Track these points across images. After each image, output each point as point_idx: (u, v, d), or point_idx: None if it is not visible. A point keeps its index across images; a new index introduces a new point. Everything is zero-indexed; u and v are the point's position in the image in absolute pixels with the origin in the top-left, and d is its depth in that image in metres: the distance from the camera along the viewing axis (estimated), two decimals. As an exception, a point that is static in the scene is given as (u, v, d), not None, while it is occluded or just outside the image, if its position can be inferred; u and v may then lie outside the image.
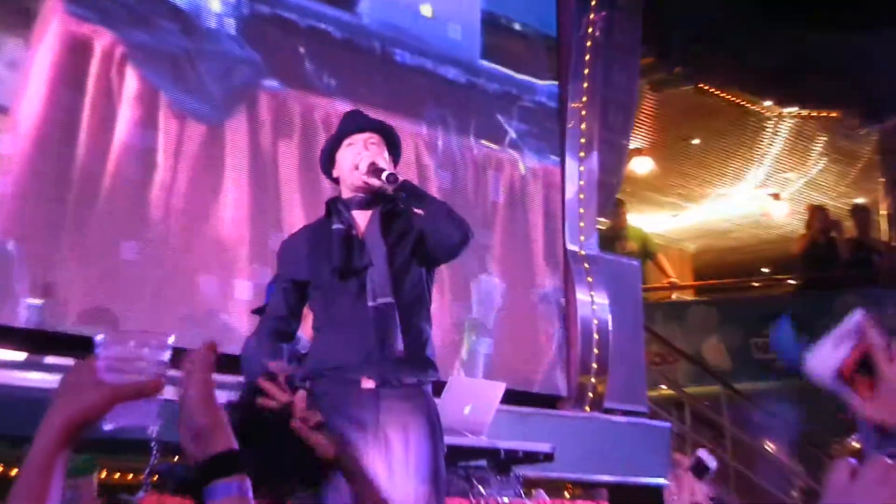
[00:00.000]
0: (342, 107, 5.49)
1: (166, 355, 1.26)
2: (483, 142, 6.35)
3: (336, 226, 3.10)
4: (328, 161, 3.24)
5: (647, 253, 8.94)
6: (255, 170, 5.35)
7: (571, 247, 6.61)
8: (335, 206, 3.17)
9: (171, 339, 1.26)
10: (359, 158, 3.11)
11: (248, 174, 5.32)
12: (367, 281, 3.00)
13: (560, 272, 6.56)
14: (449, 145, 6.20)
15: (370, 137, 3.18)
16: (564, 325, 6.51)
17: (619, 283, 6.79)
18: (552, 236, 6.61)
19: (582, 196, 6.71)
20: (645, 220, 11.02)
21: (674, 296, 10.16)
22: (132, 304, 4.79)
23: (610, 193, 7.28)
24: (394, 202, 3.14)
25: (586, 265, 6.61)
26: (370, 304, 2.97)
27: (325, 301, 3.06)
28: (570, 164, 6.72)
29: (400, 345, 2.96)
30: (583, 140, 6.77)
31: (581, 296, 6.52)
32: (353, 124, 3.22)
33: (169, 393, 1.24)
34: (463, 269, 6.11)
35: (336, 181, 3.23)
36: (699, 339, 9.35)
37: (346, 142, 3.18)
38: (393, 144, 3.25)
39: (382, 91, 5.84)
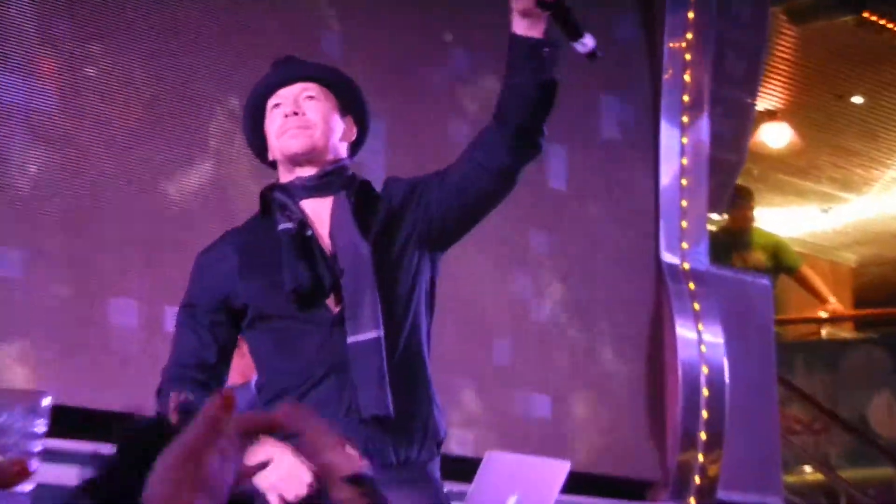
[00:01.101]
0: (329, 46, 5.49)
1: (39, 425, 1.23)
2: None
3: (283, 225, 3.12)
4: (256, 138, 3.27)
5: (782, 267, 8.92)
6: (199, 138, 5.31)
7: (669, 258, 6.64)
8: (275, 197, 3.18)
9: (46, 401, 1.24)
10: (285, 112, 3.15)
11: (188, 144, 5.29)
12: (343, 305, 3.04)
13: (652, 295, 6.58)
14: (485, 102, 5.97)
15: (305, 89, 3.20)
16: (658, 374, 6.53)
17: (740, 313, 6.79)
18: (639, 242, 6.62)
19: (685, 182, 6.70)
20: (780, 218, 11.00)
21: (824, 331, 10.14)
22: (9, 344, 4.78)
23: (727, 178, 7.25)
24: (368, 186, 3.19)
25: (691, 285, 6.62)
26: (350, 339, 3.01)
27: (275, 340, 3.11)
28: (668, 135, 6.71)
29: (388, 400, 2.99)
30: (686, 98, 6.75)
31: (683, 331, 6.53)
32: (276, 76, 3.25)
33: (47, 476, 1.23)
34: (503, 289, 6.12)
35: (275, 165, 3.27)
36: (863, 396, 9.30)
37: (270, 103, 3.22)
38: (347, 97, 3.27)
39: (384, 23, 5.86)
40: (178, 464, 1.24)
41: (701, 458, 6.40)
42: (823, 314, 9.85)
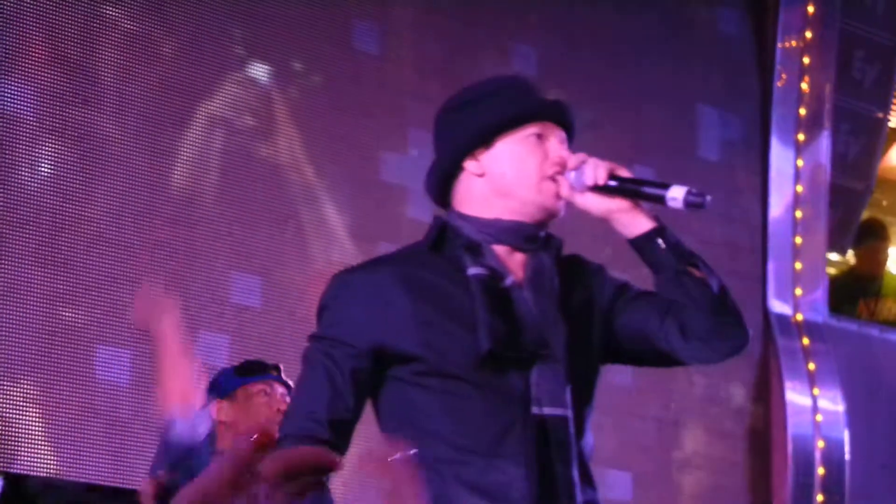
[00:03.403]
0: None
1: None
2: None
3: (474, 269, 3.14)
4: (467, 148, 3.21)
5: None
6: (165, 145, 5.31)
7: (778, 307, 6.80)
8: (459, 234, 3.18)
9: None
10: (556, 156, 3.20)
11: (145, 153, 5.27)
12: (529, 376, 3.13)
13: (756, 353, 6.69)
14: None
15: (564, 141, 3.25)
16: (762, 450, 6.68)
17: (865, 375, 6.99)
18: (742, 287, 6.41)
19: (799, 214, 6.79)
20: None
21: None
22: None
23: (852, 210, 7.37)
24: (562, 252, 3.26)
25: (805, 340, 6.77)
26: (534, 410, 3.12)
27: (446, 404, 3.14)
28: (780, 156, 6.86)
29: (577, 489, 3.09)
30: (803, 111, 6.86)
31: (795, 396, 6.70)
32: (546, 102, 3.27)
33: None
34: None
35: (444, 202, 3.25)
36: None
37: (526, 129, 3.20)
38: None
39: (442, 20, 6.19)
40: None
41: (815, 553, 6.34)
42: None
